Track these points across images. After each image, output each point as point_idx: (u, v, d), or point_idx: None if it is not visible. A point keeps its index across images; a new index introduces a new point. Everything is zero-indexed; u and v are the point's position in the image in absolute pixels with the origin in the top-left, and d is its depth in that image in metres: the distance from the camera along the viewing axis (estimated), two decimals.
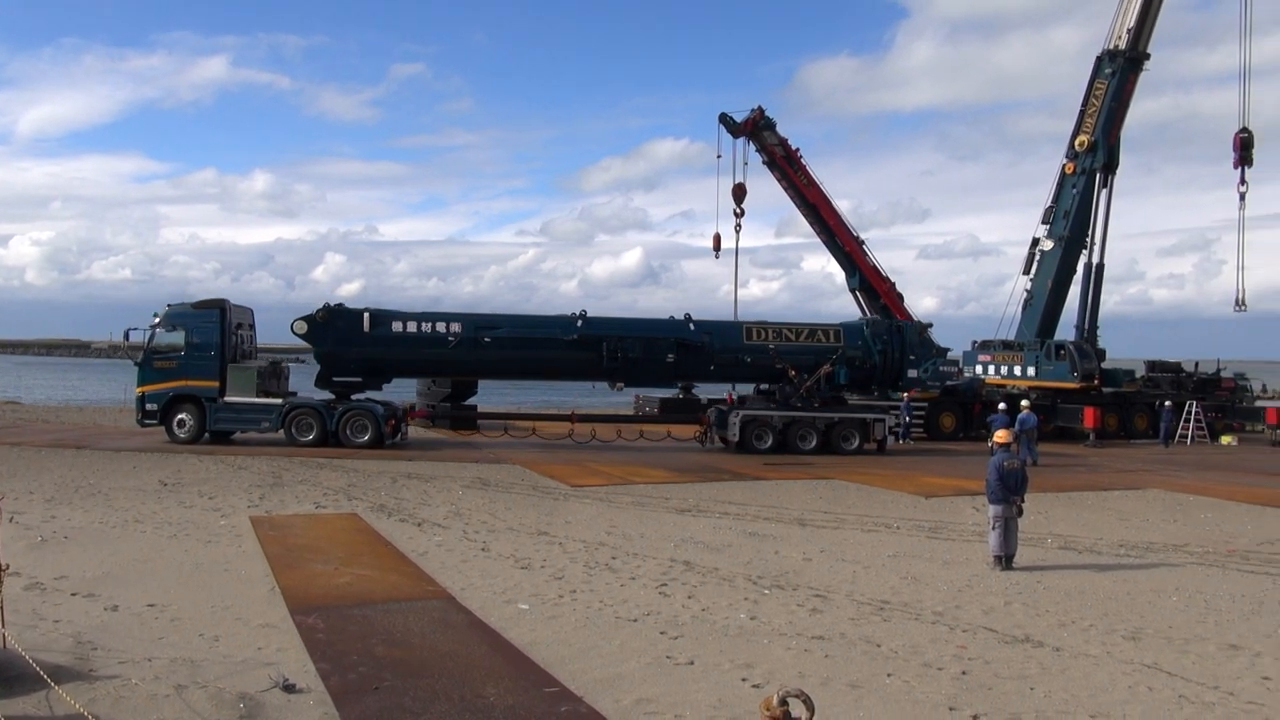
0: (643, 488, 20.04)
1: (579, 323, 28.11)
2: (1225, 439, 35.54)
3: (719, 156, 37.68)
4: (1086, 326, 37.60)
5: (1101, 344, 38.11)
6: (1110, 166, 37.24)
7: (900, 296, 39.75)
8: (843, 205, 39.40)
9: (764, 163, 38.16)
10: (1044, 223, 38.40)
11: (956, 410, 34.41)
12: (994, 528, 13.00)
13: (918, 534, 15.47)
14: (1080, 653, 9.16)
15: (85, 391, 63.43)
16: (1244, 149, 37.14)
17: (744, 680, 8.08)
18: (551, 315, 29.28)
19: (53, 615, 9.43)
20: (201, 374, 26.03)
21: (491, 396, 40.59)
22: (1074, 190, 37.37)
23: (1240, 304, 39.13)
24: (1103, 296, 38.44)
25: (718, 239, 38.86)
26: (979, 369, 38.85)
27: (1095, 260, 37.65)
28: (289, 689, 7.52)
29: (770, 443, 27.49)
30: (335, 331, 26.94)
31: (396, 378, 28.78)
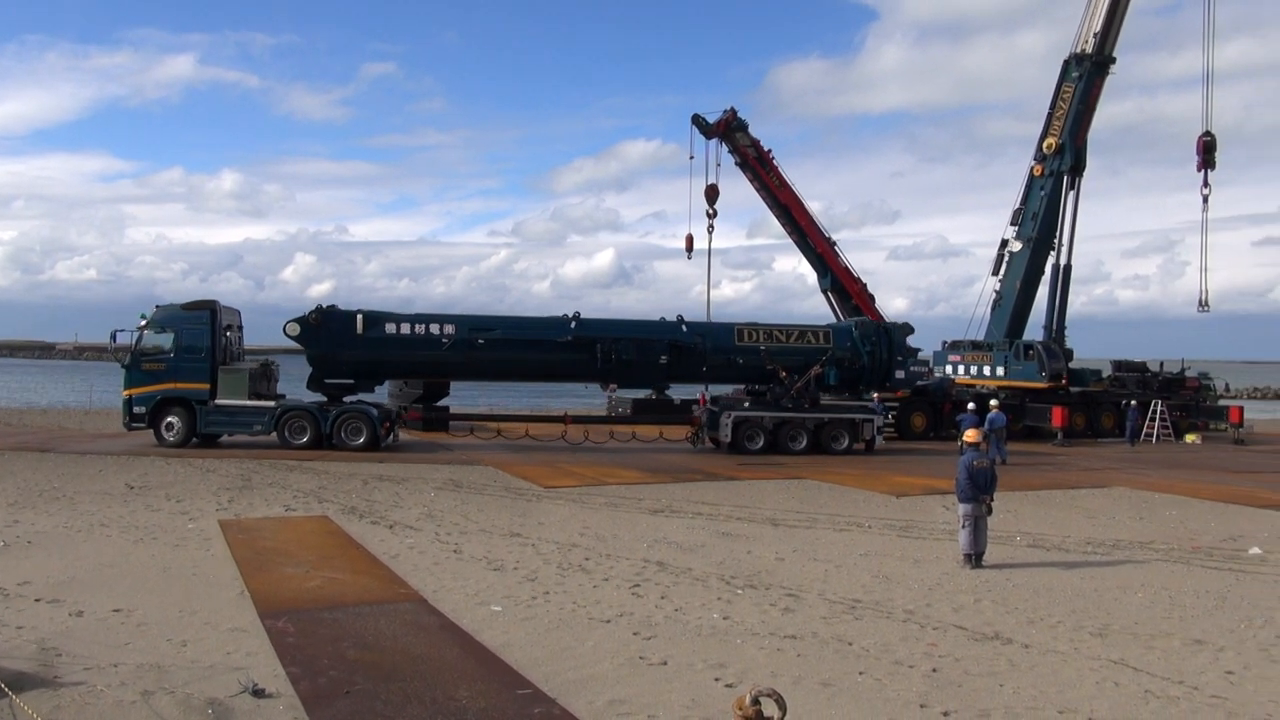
0: (616, 489, 20.03)
1: (573, 324, 28.13)
2: (1189, 437, 36.09)
3: (691, 158, 37.81)
4: (1054, 327, 38.03)
5: (1069, 344, 38.58)
6: (1077, 169, 37.70)
7: (872, 297, 40.05)
8: (814, 206, 39.70)
9: (736, 164, 38.29)
10: (1013, 224, 38.82)
11: (927, 410, 34.72)
12: (964, 526, 13.13)
13: (889, 533, 15.59)
14: (1049, 649, 9.27)
15: (49, 394, 62.43)
16: (1207, 152, 37.77)
17: (717, 680, 8.10)
18: (545, 317, 29.30)
19: (15, 621, 9.28)
20: (191, 376, 25.63)
21: (463, 398, 40.43)
22: (1042, 192, 37.80)
23: (1204, 305, 39.79)
24: (1070, 297, 38.97)
25: (690, 240, 38.97)
26: (949, 369, 39.21)
27: (1063, 261, 38.11)
28: (258, 694, 7.44)
29: (761, 443, 27.65)
30: (328, 333, 26.70)
31: (389, 379, 28.53)
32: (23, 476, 19.59)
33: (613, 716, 7.27)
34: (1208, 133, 37.80)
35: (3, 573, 11.17)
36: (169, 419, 25.65)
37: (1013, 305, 38.18)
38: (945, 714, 7.45)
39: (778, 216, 39.47)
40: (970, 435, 14.34)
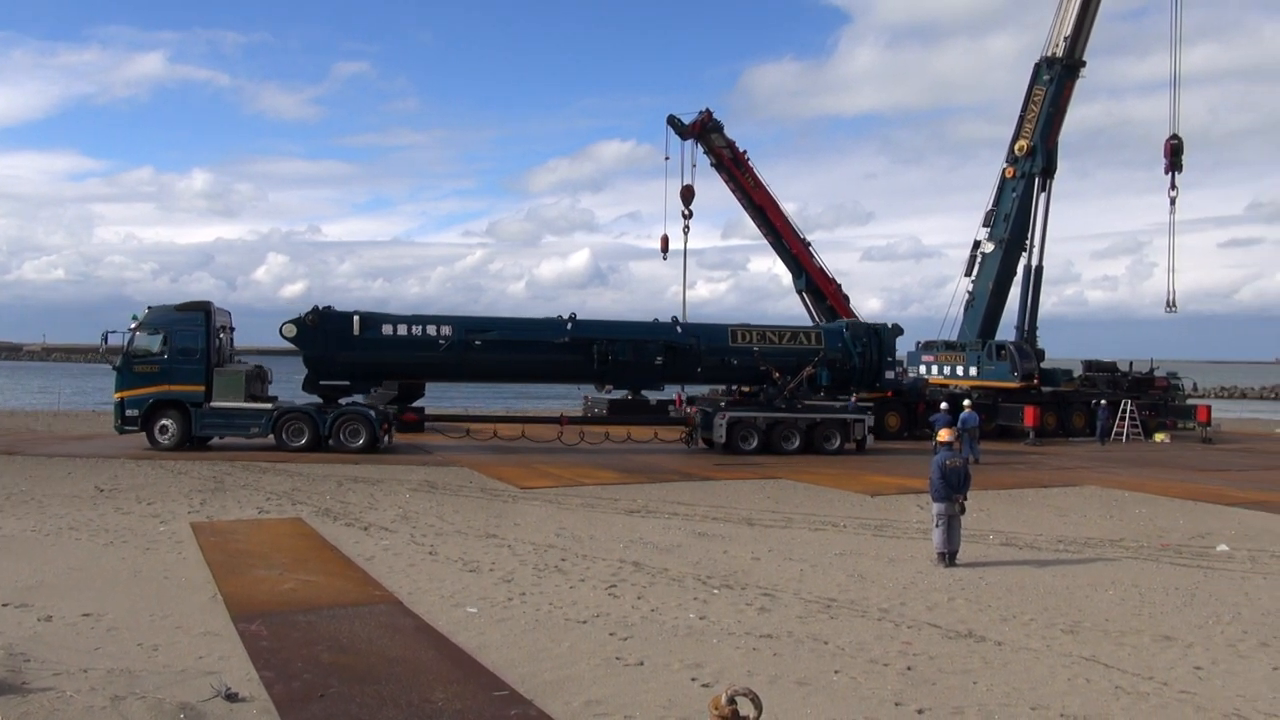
0: (592, 489, 20.02)
1: (569, 325, 28.17)
2: (1158, 436, 36.57)
3: (667, 158, 37.90)
4: (1026, 327, 38.41)
5: (1041, 344, 39.00)
6: (1049, 171, 38.12)
7: (846, 298, 40.29)
8: (789, 207, 40.00)
9: (712, 165, 38.40)
10: (985, 226, 39.19)
11: (901, 410, 34.96)
12: (937, 525, 13.23)
13: (864, 532, 15.68)
14: (1021, 646, 9.36)
15: (16, 396, 61.51)
16: (1174, 155, 38.30)
17: (693, 680, 8.12)
18: (540, 318, 29.38)
19: None
20: (186, 378, 25.32)
21: (439, 399, 40.25)
22: (1014, 194, 38.18)
23: (1171, 305, 40.35)
24: (1041, 298, 39.38)
25: (665, 240, 39.06)
26: (922, 369, 39.51)
27: (1034, 262, 38.51)
28: (231, 698, 7.37)
29: (755, 443, 27.79)
30: (324, 335, 26.54)
31: (386, 381, 28.39)
32: None
33: (589, 717, 7.27)
34: (1175, 136, 38.35)
35: None
36: (163, 422, 25.30)
37: (985, 306, 38.53)
38: (920, 711, 7.51)
39: (753, 217, 39.63)
40: (943, 435, 14.45)
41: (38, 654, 8.31)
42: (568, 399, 45.48)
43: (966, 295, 39.51)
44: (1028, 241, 38.41)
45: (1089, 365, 41.51)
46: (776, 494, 20.12)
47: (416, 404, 31.75)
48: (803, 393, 28.81)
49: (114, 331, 25.91)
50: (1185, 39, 38.85)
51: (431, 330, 27.24)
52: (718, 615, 10.25)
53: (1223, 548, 14.75)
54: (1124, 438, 35.64)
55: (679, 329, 29.10)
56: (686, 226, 38.67)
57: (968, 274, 39.60)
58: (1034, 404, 34.95)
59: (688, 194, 38.16)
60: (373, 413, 26.16)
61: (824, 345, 29.76)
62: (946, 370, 38.71)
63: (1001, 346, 37.11)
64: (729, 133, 38.17)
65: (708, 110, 37.74)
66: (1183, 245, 39.83)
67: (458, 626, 9.56)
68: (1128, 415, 36.20)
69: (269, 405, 26.21)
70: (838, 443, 28.32)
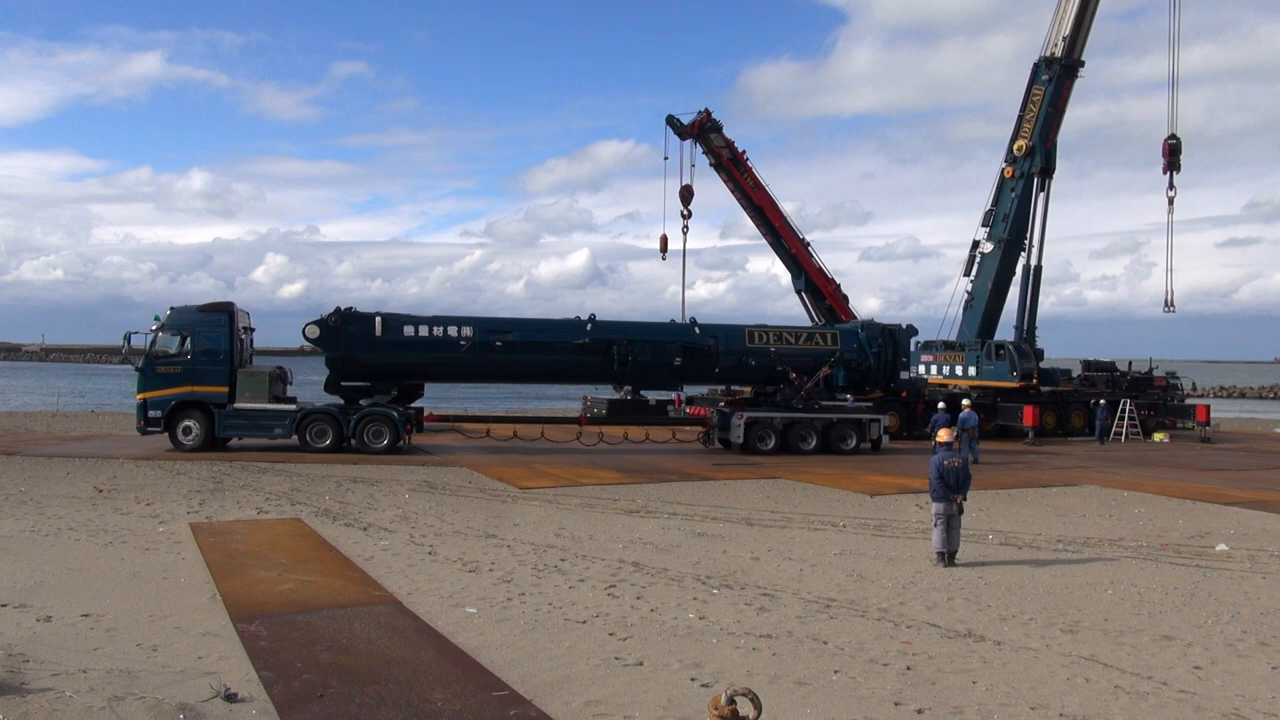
0: (591, 489, 20.02)
1: (589, 326, 28.31)
2: (1157, 436, 36.59)
3: (666, 158, 37.87)
4: (1025, 327, 38.43)
5: (1039, 344, 39.02)
6: (1047, 171, 38.13)
7: (845, 298, 40.26)
8: (787, 207, 39.91)
9: (711, 165, 38.38)
10: (984, 225, 39.21)
11: (900, 410, 34.97)
12: (936, 525, 13.23)
13: (863, 532, 15.68)
14: (1021, 646, 9.36)
15: (15, 396, 61.48)
16: (1172, 155, 38.34)
17: (693, 680, 8.12)
18: (560, 319, 29.48)
19: None
20: (209, 379, 25.31)
21: (436, 400, 40.27)
22: (1013, 194, 38.19)
23: (1169, 305, 40.36)
24: (1040, 297, 39.41)
25: (664, 240, 39.02)
26: (922, 369, 39.51)
27: (1033, 262, 38.53)
28: (230, 698, 7.37)
29: (773, 444, 27.90)
30: (347, 336, 26.59)
31: (406, 382, 28.48)
32: None
33: (589, 717, 7.26)
34: (1173, 135, 38.38)
35: None
36: (186, 423, 25.27)
37: (984, 306, 38.55)
38: (919, 711, 7.51)
39: (752, 218, 39.61)
40: (942, 435, 14.44)
41: (37, 654, 8.31)
42: (567, 399, 45.53)
43: (965, 295, 39.54)
44: (1026, 241, 38.44)
45: (1088, 365, 41.52)
46: (776, 494, 20.12)
47: (414, 405, 31.81)
48: (819, 393, 28.98)
49: (136, 332, 25.97)
50: (1182, 39, 39.01)
51: (453, 331, 27.31)
52: (717, 615, 10.25)
53: (1222, 547, 14.75)
54: (1123, 437, 35.65)
55: (697, 330, 29.24)
56: (685, 227, 38.65)
57: (967, 274, 39.62)
58: (1033, 404, 34.97)
59: (687, 194, 38.14)
60: (396, 414, 26.24)
61: (840, 346, 29.96)
62: (946, 370, 38.72)
63: (1000, 346, 37.13)
64: (727, 133, 38.16)
65: (706, 110, 37.72)
66: (1181, 245, 40.04)
67: (457, 627, 9.56)
68: (1127, 415, 36.22)
69: (293, 406, 26.23)
70: (854, 442, 28.47)
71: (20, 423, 35.40)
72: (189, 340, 25.46)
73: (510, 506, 17.63)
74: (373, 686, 7.70)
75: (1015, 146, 38.13)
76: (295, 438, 25.66)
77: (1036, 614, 10.61)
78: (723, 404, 30.98)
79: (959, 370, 38.12)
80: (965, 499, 13.41)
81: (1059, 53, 37.36)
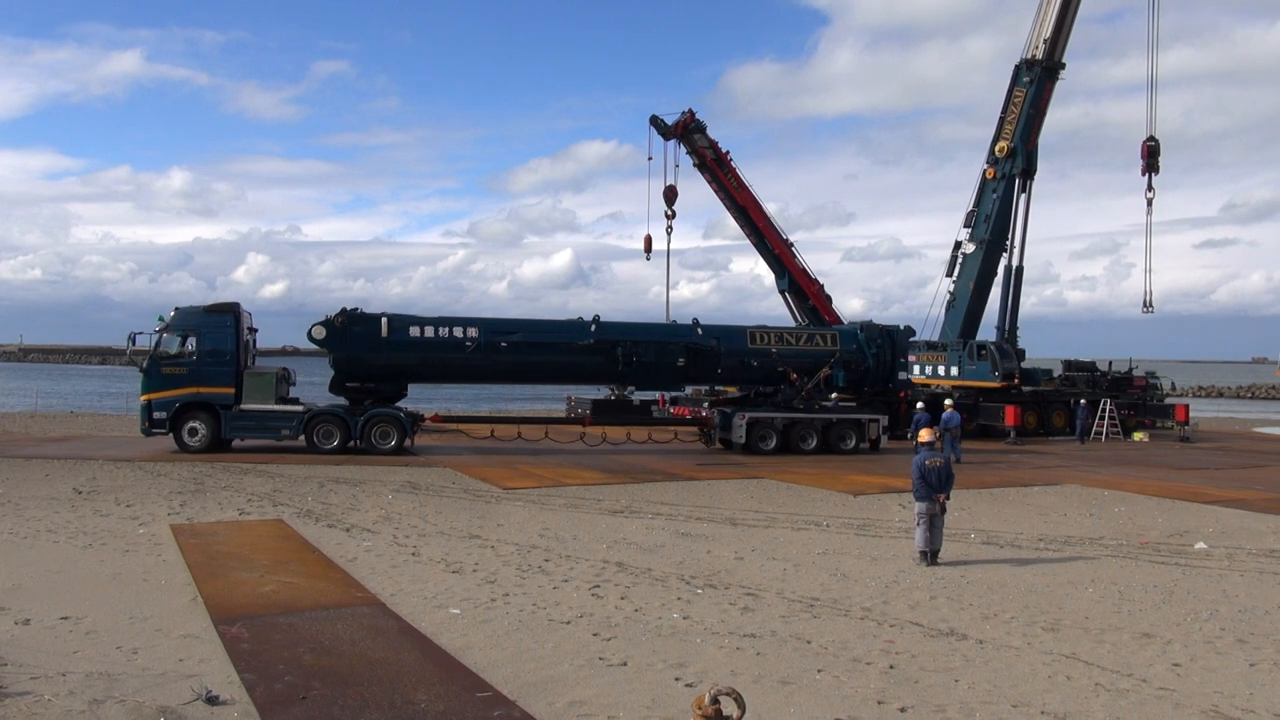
0: (575, 489, 20.00)
1: (593, 328, 28.44)
2: (1137, 435, 36.87)
3: (650, 159, 37.96)
4: (1007, 327, 38.67)
5: (1021, 344, 39.25)
6: (1029, 172, 38.38)
7: (829, 298, 40.44)
8: (770, 208, 40.07)
9: (695, 165, 38.46)
10: (966, 226, 39.43)
11: (884, 410, 35.05)
12: (919, 524, 13.29)
13: (846, 531, 15.74)
14: (1002, 644, 9.42)
15: None
16: (1151, 157, 38.66)
17: (677, 679, 8.13)
18: (563, 320, 29.69)
19: None
20: (216, 380, 25.12)
21: (418, 400, 40.11)
22: (994, 195, 38.43)
23: (1148, 305, 40.66)
24: (1021, 298, 39.66)
25: (649, 241, 39.08)
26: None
27: (1015, 263, 38.77)
28: (212, 701, 7.33)
29: (774, 444, 28.03)
30: (353, 337, 26.55)
31: (411, 383, 28.59)
32: None
33: (573, 717, 7.26)
34: (1151, 138, 38.67)
35: None
36: (192, 424, 25.07)
37: (966, 306, 38.76)
38: (902, 710, 7.54)
39: (736, 218, 39.72)
40: (924, 435, 14.53)
41: (15, 658, 8.23)
42: (554, 400, 45.46)
43: (948, 295, 39.74)
44: (1008, 242, 38.69)
45: (1069, 365, 41.80)
46: (759, 494, 20.16)
47: (397, 405, 31.71)
48: (819, 393, 29.28)
49: (141, 333, 25.79)
50: (1161, 42, 39.48)
51: (458, 332, 27.34)
52: (701, 615, 10.26)
53: (1201, 546, 14.89)
54: (1103, 437, 35.91)
55: (699, 330, 29.41)
56: (670, 227, 38.75)
57: (949, 274, 39.82)
58: (1014, 403, 35.18)
59: (671, 194, 38.21)
60: (403, 415, 26.26)
61: (839, 347, 30.25)
62: (928, 370, 38.89)
63: (982, 346, 37.33)
64: (711, 133, 38.26)
65: (690, 111, 37.81)
66: (1159, 246, 40.34)
67: (441, 628, 9.53)
68: (1107, 414, 36.49)
69: (300, 408, 26.09)
70: (853, 442, 28.67)
71: None
72: (195, 341, 25.28)
73: (494, 507, 17.59)
74: (356, 688, 7.67)
75: (997, 148, 38.36)
76: (302, 439, 25.57)
77: (1018, 612, 10.67)
78: (707, 404, 31.18)
79: (941, 370, 38.30)
80: (948, 498, 13.48)
81: (1040, 55, 37.62)
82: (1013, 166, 37.97)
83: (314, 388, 30.54)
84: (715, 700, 5.05)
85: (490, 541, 14.15)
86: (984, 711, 7.56)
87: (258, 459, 23.92)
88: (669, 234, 38.86)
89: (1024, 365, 38.34)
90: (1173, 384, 46.47)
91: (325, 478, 20.91)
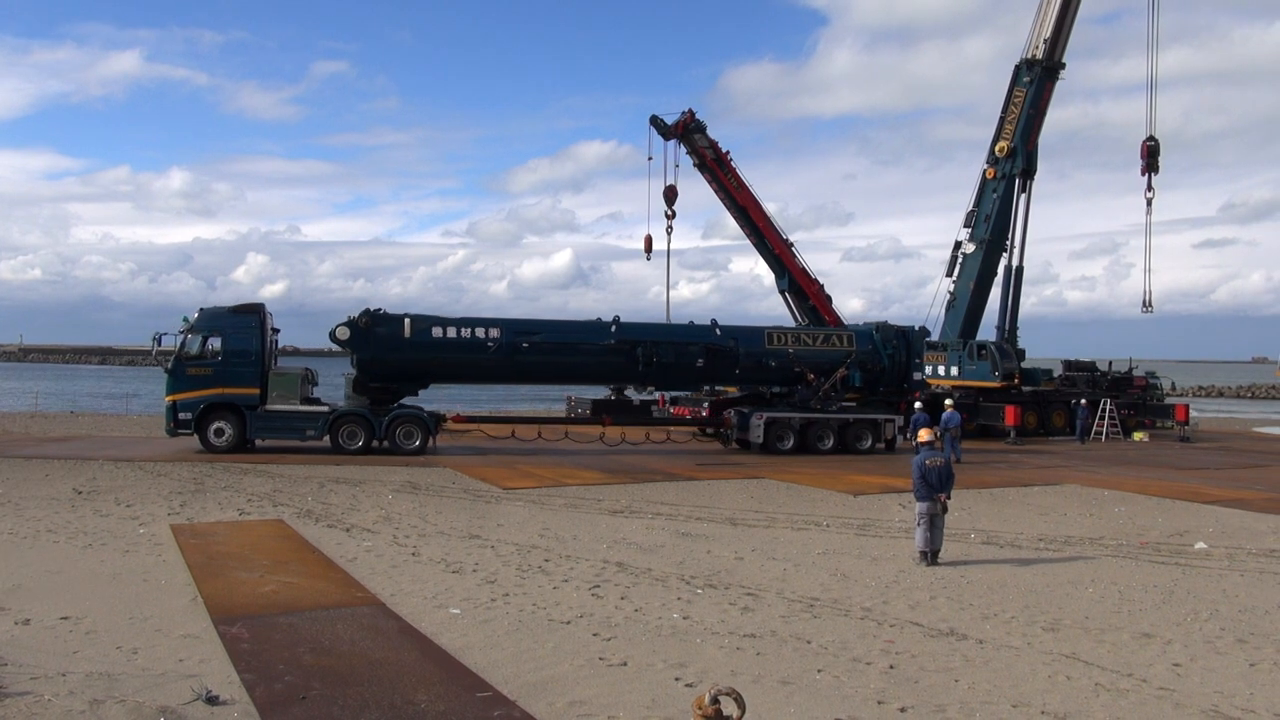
0: (575, 489, 20.00)
1: (613, 329, 28.65)
2: (1137, 435, 36.87)
3: (650, 159, 37.96)
4: (1007, 327, 38.67)
5: (1021, 344, 39.24)
6: (1029, 172, 38.40)
7: (829, 298, 40.43)
8: (770, 208, 40.05)
9: (695, 165, 38.46)
10: (966, 226, 39.43)
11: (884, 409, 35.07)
12: (919, 524, 13.29)
13: (847, 531, 15.73)
14: (1002, 644, 9.42)
15: None
16: (1151, 156, 38.64)
17: (677, 679, 8.12)
18: (583, 320, 29.91)
19: None
20: (241, 381, 25.16)
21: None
22: (995, 195, 38.43)
23: (1147, 305, 40.64)
24: (1021, 298, 39.65)
25: (649, 240, 39.08)
26: None
27: (1014, 263, 38.78)
28: (212, 701, 7.32)
29: (791, 444, 28.16)
30: (376, 338, 26.66)
31: (435, 384, 28.77)
32: None
33: (573, 718, 7.26)
34: (1151, 137, 38.66)
35: None
36: (218, 425, 25.07)
37: (966, 306, 38.77)
38: (902, 710, 7.54)
39: (736, 218, 39.71)
40: (923, 434, 14.53)
41: (15, 658, 8.23)
42: (552, 400, 45.47)
43: (948, 295, 39.75)
44: (1008, 242, 38.70)
45: (1069, 365, 41.80)
46: (759, 494, 20.16)
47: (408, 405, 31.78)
48: (836, 394, 29.47)
49: (166, 334, 25.81)
50: (1160, 42, 39.19)
51: (480, 333, 27.49)
52: (701, 615, 10.26)
53: (1201, 546, 14.89)
54: (1103, 437, 35.91)
55: (717, 331, 29.59)
56: (670, 227, 38.75)
57: (949, 274, 39.83)
58: (1014, 403, 35.18)
59: (671, 194, 38.21)
60: (426, 415, 26.39)
61: (855, 347, 30.44)
62: (929, 370, 38.86)
63: (982, 346, 37.32)
64: (710, 133, 38.24)
65: (690, 111, 37.81)
66: (1158, 246, 40.16)
67: (441, 628, 9.53)
68: (1107, 414, 36.49)
69: (325, 408, 26.13)
70: (869, 442, 28.81)
71: None
72: (220, 341, 25.30)
73: (494, 507, 17.59)
74: (355, 688, 7.67)
75: (997, 148, 38.36)
76: (327, 439, 25.63)
77: (1018, 612, 10.67)
78: (707, 404, 31.32)
79: (941, 370, 38.29)
80: (949, 498, 13.48)
81: (1040, 55, 37.63)
82: (1013, 166, 37.97)
83: (320, 389, 30.53)
84: (715, 700, 5.05)
85: (490, 541, 14.15)
86: (984, 711, 7.56)
87: (258, 459, 23.92)
88: (669, 234, 38.90)
89: (1024, 365, 38.34)
90: (1173, 384, 46.46)
91: (325, 478, 20.92)
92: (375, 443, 25.77)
